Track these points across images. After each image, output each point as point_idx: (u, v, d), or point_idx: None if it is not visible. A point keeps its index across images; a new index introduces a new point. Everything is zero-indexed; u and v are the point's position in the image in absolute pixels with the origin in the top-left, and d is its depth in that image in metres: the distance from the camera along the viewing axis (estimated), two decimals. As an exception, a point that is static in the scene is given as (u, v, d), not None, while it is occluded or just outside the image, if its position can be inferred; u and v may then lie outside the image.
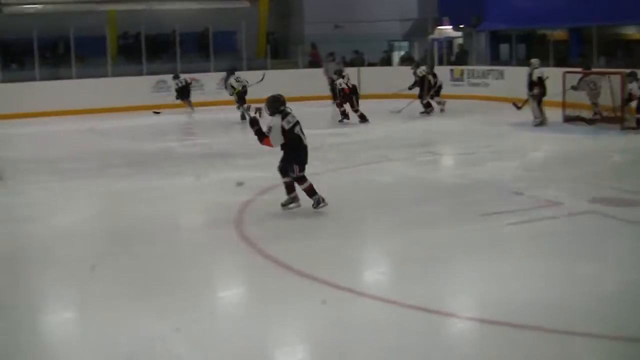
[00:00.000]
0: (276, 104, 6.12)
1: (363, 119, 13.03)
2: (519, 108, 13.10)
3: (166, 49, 19.31)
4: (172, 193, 7.88)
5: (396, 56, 21.70)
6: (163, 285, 4.80)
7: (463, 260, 5.26)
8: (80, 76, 17.01)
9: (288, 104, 6.39)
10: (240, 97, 13.58)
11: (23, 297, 4.70)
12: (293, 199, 6.43)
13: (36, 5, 19.22)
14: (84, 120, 14.81)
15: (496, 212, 6.44)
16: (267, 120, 6.45)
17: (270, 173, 7.14)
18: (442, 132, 12.65)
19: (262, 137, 6.17)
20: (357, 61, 18.87)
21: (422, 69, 14.61)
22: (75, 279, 5.06)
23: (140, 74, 17.58)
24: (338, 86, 12.99)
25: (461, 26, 19.59)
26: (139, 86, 17.06)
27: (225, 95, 14.94)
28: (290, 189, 6.34)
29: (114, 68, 17.61)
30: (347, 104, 13.08)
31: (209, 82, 17.46)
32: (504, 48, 19.79)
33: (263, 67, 18.64)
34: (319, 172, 7.83)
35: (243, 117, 12.81)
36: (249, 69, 18.28)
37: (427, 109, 14.33)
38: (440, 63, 18.86)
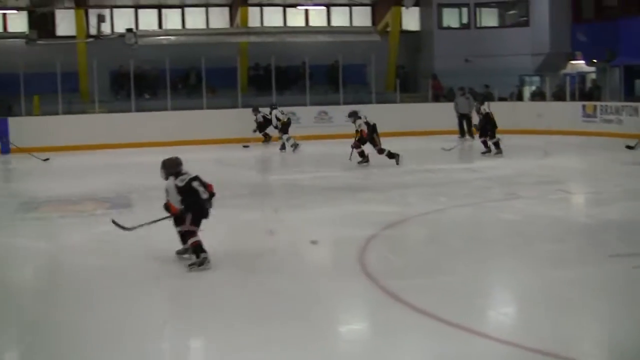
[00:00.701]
0: (168, 169, 6.41)
1: (391, 156, 12.82)
2: (631, 148, 13.77)
3: (296, 81, 20.71)
4: (296, 225, 8.43)
5: (527, 91, 22.24)
6: (284, 317, 5.09)
7: (591, 303, 5.33)
8: (211, 106, 18.69)
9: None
10: (284, 127, 15.90)
11: (143, 324, 5.06)
12: (187, 250, 6.44)
13: (170, 37, 21.39)
14: (212, 150, 16.20)
15: (627, 253, 6.55)
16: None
17: (396, 208, 7.58)
18: (573, 170, 13.10)
19: (168, 207, 6.35)
20: (487, 96, 19.06)
21: (485, 106, 14.72)
22: (195, 307, 5.50)
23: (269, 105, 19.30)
24: (356, 127, 12.82)
25: (594, 61, 20.14)
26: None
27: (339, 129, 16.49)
28: (184, 238, 6.43)
29: (244, 99, 19.12)
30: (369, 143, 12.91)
31: (337, 115, 18.70)
32: (639, 83, 19.90)
33: (392, 101, 20.09)
34: (445, 208, 8.23)
35: (283, 147, 15.75)
36: (378, 102, 19.55)
37: (490, 149, 14.19)
38: (573, 98, 19.30)
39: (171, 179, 6.39)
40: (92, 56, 18.95)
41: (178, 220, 6.43)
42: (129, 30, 19.66)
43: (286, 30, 22.40)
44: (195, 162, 13.88)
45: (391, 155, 12.80)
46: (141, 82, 19.33)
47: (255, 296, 5.69)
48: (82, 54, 19.79)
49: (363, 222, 8.01)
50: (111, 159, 15.34)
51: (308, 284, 6.01)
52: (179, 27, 22.05)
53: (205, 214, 6.44)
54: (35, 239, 8.10)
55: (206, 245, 6.29)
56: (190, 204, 6.34)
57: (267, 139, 17.51)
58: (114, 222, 6.70)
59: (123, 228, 6.64)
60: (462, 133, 18.26)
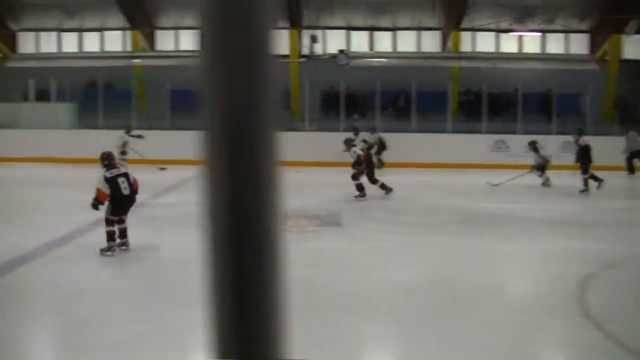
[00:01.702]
0: (104, 161, 8.63)
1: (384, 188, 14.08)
2: None
3: (507, 108, 22.29)
4: (508, 257, 8.98)
5: None
6: (474, 352, 5.50)
7: None
8: (419, 130, 20.96)
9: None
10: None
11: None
12: (109, 247, 8.38)
13: (381, 59, 24.49)
14: (421, 174, 18.10)
15: None
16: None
17: (621, 246, 8.23)
18: None
19: (96, 195, 8.41)
20: None
21: (584, 139, 15.31)
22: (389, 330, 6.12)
23: (479, 131, 20.98)
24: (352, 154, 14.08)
25: None
26: (477, 144, 20.37)
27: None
28: (108, 236, 8.39)
29: (454, 124, 21.18)
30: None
31: (550, 145, 20.22)
32: None
33: (608, 133, 20.82)
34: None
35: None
36: (596, 133, 19.99)
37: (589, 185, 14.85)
38: None
39: (103, 170, 8.58)
40: (304, 75, 22.06)
41: (107, 222, 8.48)
42: (341, 51, 22.77)
43: (499, 56, 24.37)
44: (404, 186, 15.95)
45: (383, 187, 14.13)
46: (351, 103, 21.96)
47: (449, 327, 6.06)
48: (294, 73, 23.16)
49: (578, 259, 8.37)
50: (319, 177, 17.61)
51: (521, 319, 6.25)
52: (390, 49, 24.89)
53: (124, 209, 8.55)
54: None
55: (419, 270, 7.97)
56: (113, 196, 8.41)
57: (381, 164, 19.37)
58: None
59: None
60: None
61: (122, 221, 8.66)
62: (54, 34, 26.99)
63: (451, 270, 8.12)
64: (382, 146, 19.20)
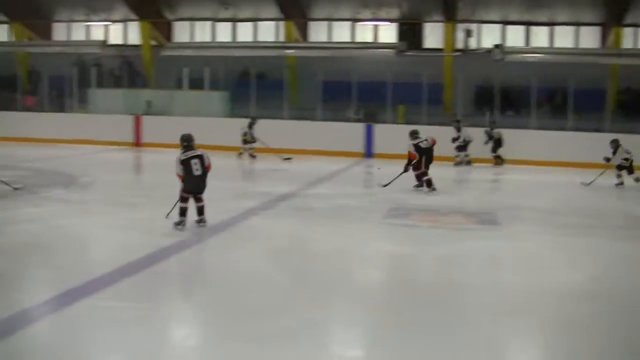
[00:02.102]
0: (181, 142, 9.76)
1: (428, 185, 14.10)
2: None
3: None
4: None
5: None
6: None
7: None
8: (575, 128, 21.17)
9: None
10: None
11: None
12: (180, 221, 9.60)
13: (537, 55, 24.62)
14: (575, 174, 18.10)
15: None
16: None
17: None
18: None
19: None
20: None
21: None
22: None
23: (637, 132, 20.86)
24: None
25: None
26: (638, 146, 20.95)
27: None
28: (181, 211, 9.62)
29: (612, 124, 21.28)
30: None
31: None
32: None
33: None
34: None
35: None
36: None
37: None
38: None
39: (179, 151, 9.69)
40: (458, 70, 22.83)
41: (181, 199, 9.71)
42: (497, 46, 23.39)
43: (664, 53, 24.00)
44: (559, 185, 16.39)
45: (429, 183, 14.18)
46: (505, 99, 22.48)
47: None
48: (447, 67, 23.95)
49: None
50: (475, 174, 18.39)
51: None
52: (547, 45, 25.32)
53: (195, 188, 9.68)
54: (401, 245, 9.64)
55: (573, 273, 8.24)
56: (185, 176, 9.60)
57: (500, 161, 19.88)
58: None
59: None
60: None
61: (198, 199, 9.81)
62: (208, 24, 29.24)
63: (624, 277, 8.15)
64: (498, 142, 19.77)
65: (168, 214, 10.22)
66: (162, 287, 7.41)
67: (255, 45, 28.07)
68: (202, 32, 29.35)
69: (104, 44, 28.88)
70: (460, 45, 24.70)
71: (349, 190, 15.01)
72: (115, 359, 5.44)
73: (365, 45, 26.75)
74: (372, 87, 22.87)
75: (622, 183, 16.16)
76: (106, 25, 30.63)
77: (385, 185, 14.62)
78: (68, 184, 14.77)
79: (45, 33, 31.02)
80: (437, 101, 23.49)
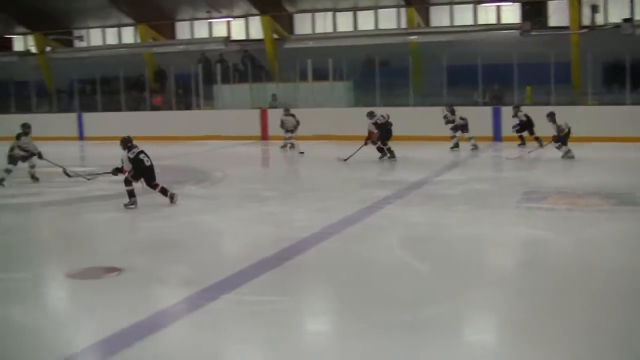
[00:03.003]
0: (123, 144, 12.10)
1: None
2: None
3: None
4: None
5: None
6: None
7: None
8: None
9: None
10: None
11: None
12: (132, 203, 11.94)
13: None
14: None
15: None
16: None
17: None
18: None
19: (119, 170, 12.08)
20: None
21: None
22: None
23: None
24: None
25: None
26: None
27: None
28: (130, 194, 11.99)
29: None
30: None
31: None
32: None
33: None
34: None
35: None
36: None
37: None
38: None
39: (125, 151, 12.05)
40: (585, 47, 23.92)
41: (126, 181, 12.07)
42: (626, 20, 24.35)
43: None
44: None
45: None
46: (636, 75, 23.16)
47: None
48: (574, 45, 25.08)
49: None
50: (602, 152, 19.19)
51: None
52: (681, 16, 25.91)
53: (147, 176, 12.17)
54: (539, 229, 9.97)
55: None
56: (137, 170, 12.01)
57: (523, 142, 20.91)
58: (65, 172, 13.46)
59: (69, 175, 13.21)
60: None
61: (156, 186, 12.47)
62: (329, 14, 31.53)
63: None
64: (529, 123, 20.45)
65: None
66: (301, 280, 7.84)
67: (377, 33, 29.88)
68: (323, 23, 31.52)
69: (227, 40, 31.58)
70: (586, 21, 25.80)
71: (481, 174, 16.00)
72: (256, 353, 5.78)
73: (488, 27, 28.14)
74: (497, 69, 24.38)
75: None
76: (228, 22, 33.23)
77: (346, 160, 17.70)
78: (200, 180, 16.03)
79: (169, 33, 34.03)
80: (565, 80, 24.58)
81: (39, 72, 34.46)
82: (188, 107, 29.77)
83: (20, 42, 37.94)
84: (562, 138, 17.77)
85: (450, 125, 20.90)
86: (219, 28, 33.66)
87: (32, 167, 16.10)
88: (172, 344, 5.91)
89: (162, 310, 6.70)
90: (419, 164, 18.07)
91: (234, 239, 10.34)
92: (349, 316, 6.46)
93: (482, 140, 22.33)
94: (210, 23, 33.68)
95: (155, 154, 21.19)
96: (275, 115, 25.53)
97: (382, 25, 30.55)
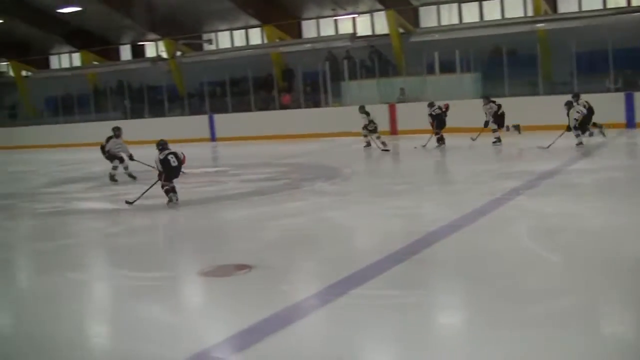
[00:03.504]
0: (158, 146, 13.71)
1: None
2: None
3: None
4: None
5: None
6: None
7: None
8: None
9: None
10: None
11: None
12: (170, 199, 13.48)
13: None
14: None
15: None
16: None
17: None
18: None
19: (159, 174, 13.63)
20: None
21: None
22: None
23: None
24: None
25: None
26: None
27: None
28: (167, 192, 13.46)
29: None
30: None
31: None
32: None
33: None
34: None
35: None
36: None
37: None
38: None
39: (157, 153, 13.56)
40: None
41: (162, 186, 13.49)
42: None
43: None
44: None
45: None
46: None
47: None
48: None
49: None
50: None
51: None
52: None
53: (174, 175, 13.55)
54: None
55: None
56: (165, 169, 13.39)
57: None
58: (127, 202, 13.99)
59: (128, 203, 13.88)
60: None
61: (166, 185, 13.69)
62: (454, 6, 32.56)
63: None
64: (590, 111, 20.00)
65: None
66: (431, 273, 7.92)
67: (503, 22, 30.56)
68: (448, 15, 32.55)
69: (353, 36, 33.04)
70: None
71: (614, 163, 16.11)
72: (387, 349, 5.83)
73: (618, 11, 28.28)
74: (629, 54, 24.90)
75: None
76: (353, 18, 34.68)
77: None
78: (329, 176, 16.46)
79: (295, 32, 35.80)
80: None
81: (170, 77, 36.84)
82: (316, 104, 31.27)
83: (152, 49, 40.60)
84: None
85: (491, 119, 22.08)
86: (345, 25, 35.06)
87: (126, 168, 18.52)
88: (302, 340, 6.05)
89: (292, 306, 6.89)
90: (549, 154, 18.26)
91: (363, 234, 10.54)
92: (480, 310, 6.50)
93: (615, 127, 22.65)
94: (335, 20, 35.04)
95: (285, 152, 22.53)
96: (403, 109, 26.74)
97: (508, 15, 31.25)
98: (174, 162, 13.53)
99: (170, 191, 13.60)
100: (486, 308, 6.50)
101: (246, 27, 37.26)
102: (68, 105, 38.68)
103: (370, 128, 22.57)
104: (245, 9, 34.30)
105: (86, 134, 34.39)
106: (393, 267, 8.06)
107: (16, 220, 14.27)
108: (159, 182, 13.73)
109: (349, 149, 24.11)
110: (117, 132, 18.40)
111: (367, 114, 22.70)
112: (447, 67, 28.35)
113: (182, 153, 13.67)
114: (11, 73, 44.33)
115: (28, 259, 10.74)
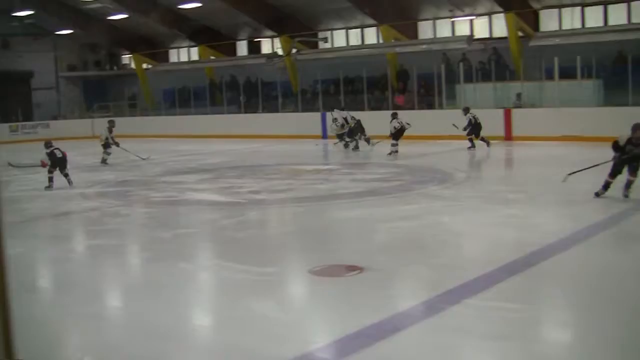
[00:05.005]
0: (45, 146, 17.01)
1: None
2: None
3: None
4: None
5: None
6: None
7: None
8: None
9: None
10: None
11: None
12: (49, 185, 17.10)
13: None
14: None
15: None
16: None
17: None
18: None
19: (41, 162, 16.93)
20: None
21: None
22: None
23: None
24: None
25: None
26: None
27: None
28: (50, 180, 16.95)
29: None
30: None
31: None
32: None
33: None
34: None
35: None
36: None
37: None
38: None
39: (44, 149, 16.82)
40: None
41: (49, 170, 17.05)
42: None
43: None
44: None
45: None
46: None
47: None
48: None
49: None
50: None
51: None
52: None
53: (58, 164, 17.03)
54: None
55: None
56: (52, 160, 16.79)
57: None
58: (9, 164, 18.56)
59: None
60: None
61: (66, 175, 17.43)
62: (577, 9, 31.58)
63: None
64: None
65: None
66: (547, 287, 7.81)
67: (629, 27, 29.19)
68: (570, 19, 31.60)
69: (470, 38, 32.48)
70: None
71: None
72: None
73: None
74: None
75: None
76: (471, 20, 34.12)
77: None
78: (441, 180, 16.43)
79: (411, 32, 35.45)
80: None
81: (285, 73, 37.02)
82: (430, 106, 30.83)
83: (268, 45, 40.87)
84: None
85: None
86: (462, 27, 34.50)
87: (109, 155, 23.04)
88: (411, 347, 5.99)
89: (402, 312, 6.85)
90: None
91: (476, 241, 10.30)
92: (585, 328, 6.42)
93: None
94: (452, 22, 34.55)
95: (401, 154, 22.39)
96: (520, 115, 26.12)
97: (635, 19, 30.04)
98: (58, 153, 17.22)
99: (51, 179, 17.20)
100: (589, 328, 6.38)
101: (362, 27, 37.10)
102: (184, 97, 39.65)
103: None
104: (362, 8, 34.12)
105: (201, 126, 34.82)
106: (508, 279, 7.93)
107: (133, 207, 14.57)
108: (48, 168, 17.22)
109: (463, 153, 23.70)
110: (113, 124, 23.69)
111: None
112: (567, 73, 27.35)
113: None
114: (133, 65, 45.40)
115: (142, 247, 10.88)
